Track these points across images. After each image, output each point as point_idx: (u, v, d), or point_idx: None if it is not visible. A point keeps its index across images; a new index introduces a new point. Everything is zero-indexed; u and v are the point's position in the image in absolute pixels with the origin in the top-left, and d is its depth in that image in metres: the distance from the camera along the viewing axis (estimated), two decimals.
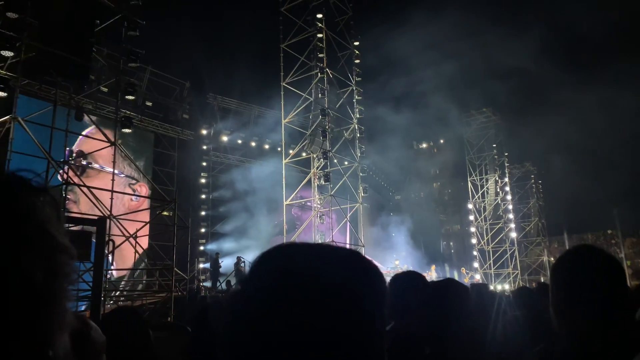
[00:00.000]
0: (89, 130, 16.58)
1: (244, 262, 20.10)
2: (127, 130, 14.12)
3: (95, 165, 17.78)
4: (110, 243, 11.35)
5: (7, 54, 11.62)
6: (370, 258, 0.79)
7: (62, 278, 0.54)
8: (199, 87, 24.32)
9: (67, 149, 15.38)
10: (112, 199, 12.70)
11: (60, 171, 12.53)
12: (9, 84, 12.23)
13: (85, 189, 12.40)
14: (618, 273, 1.41)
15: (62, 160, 13.58)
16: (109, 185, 13.08)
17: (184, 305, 13.73)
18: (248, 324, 0.66)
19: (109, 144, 13.47)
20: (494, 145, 34.97)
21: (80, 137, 16.68)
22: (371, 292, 0.73)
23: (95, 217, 10.10)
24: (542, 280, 32.02)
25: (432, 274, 26.84)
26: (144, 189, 20.52)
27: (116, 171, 13.38)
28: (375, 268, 0.77)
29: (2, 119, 12.48)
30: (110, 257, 12.21)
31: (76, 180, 12.82)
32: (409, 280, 2.60)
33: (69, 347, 0.55)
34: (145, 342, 2.36)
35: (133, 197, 19.57)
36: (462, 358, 1.86)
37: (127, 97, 14.14)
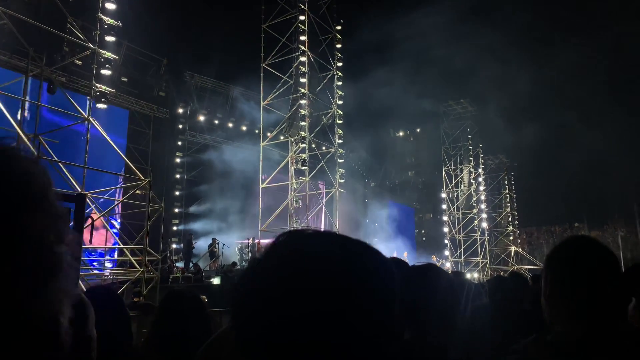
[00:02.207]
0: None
1: (218, 243, 19.99)
2: (101, 106, 13.74)
3: None
4: (89, 220, 11.12)
5: None
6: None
7: (66, 244, 0.53)
8: (176, 65, 23.84)
9: None
10: (84, 175, 12.40)
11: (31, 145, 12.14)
12: None
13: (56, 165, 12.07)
14: (614, 264, 1.43)
15: (32, 133, 13.17)
16: None
17: (156, 285, 13.62)
18: (264, 302, 0.67)
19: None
20: (470, 136, 35.42)
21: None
22: (385, 282, 0.74)
23: (74, 193, 9.87)
24: (515, 270, 32.76)
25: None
26: None
27: None
28: (388, 261, 0.78)
29: None
30: (89, 235, 11.97)
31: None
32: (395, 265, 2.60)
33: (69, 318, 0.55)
34: (125, 321, 2.30)
35: None
36: (437, 342, 1.86)
37: (102, 71, 13.71)
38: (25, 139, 11.89)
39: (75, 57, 15.88)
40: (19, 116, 12.19)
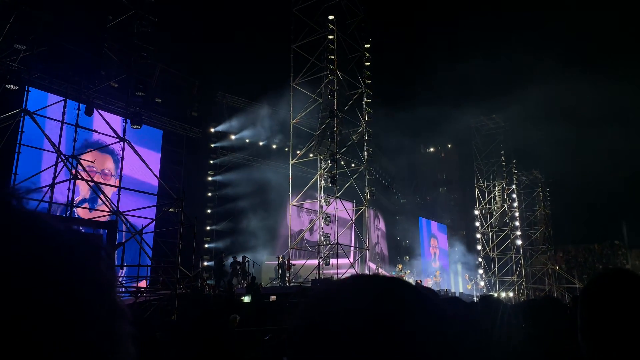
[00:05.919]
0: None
1: (248, 261, 20.09)
2: (136, 127, 14.13)
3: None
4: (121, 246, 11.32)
5: (20, 47, 11.66)
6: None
7: (123, 345, 0.53)
8: (208, 85, 24.35)
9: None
10: (119, 195, 12.71)
11: (69, 165, 12.55)
12: (21, 77, 12.26)
13: (92, 184, 12.43)
14: None
15: (70, 154, 13.61)
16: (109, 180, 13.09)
17: (188, 303, 13.71)
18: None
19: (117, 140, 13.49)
20: (502, 152, 34.82)
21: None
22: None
23: (106, 218, 10.12)
24: (548, 293, 31.59)
25: (437, 279, 26.74)
26: None
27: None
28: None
29: (13, 112, 12.51)
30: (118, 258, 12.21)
31: (84, 175, 12.85)
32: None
33: None
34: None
35: None
36: None
37: (137, 93, 14.15)
38: (64, 160, 12.31)
39: (112, 80, 16.43)
40: (57, 137, 12.61)
